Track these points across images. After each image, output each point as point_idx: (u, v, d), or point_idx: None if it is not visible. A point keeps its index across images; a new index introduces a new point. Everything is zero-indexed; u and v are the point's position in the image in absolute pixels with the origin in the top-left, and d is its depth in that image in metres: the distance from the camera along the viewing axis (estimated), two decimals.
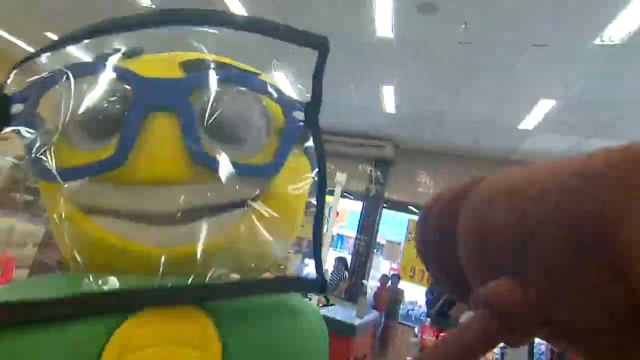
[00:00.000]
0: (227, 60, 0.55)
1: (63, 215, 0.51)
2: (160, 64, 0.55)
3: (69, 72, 0.50)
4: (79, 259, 0.49)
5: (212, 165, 0.46)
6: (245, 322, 0.47)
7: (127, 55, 0.54)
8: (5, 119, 0.51)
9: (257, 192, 0.51)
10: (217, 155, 0.47)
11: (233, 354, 0.43)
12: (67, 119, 0.48)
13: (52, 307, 0.40)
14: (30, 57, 0.55)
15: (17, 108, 0.53)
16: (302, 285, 0.61)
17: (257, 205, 0.50)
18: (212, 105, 0.48)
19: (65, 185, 0.49)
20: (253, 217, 0.50)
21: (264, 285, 0.51)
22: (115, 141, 0.47)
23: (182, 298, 0.43)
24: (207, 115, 0.48)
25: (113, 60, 0.52)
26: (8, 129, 0.51)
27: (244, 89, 0.52)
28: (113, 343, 0.39)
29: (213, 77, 0.49)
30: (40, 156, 0.49)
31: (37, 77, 0.54)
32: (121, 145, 0.46)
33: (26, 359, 0.38)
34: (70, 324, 0.39)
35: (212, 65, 0.51)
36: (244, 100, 0.52)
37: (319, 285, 0.55)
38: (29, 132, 0.50)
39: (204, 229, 0.47)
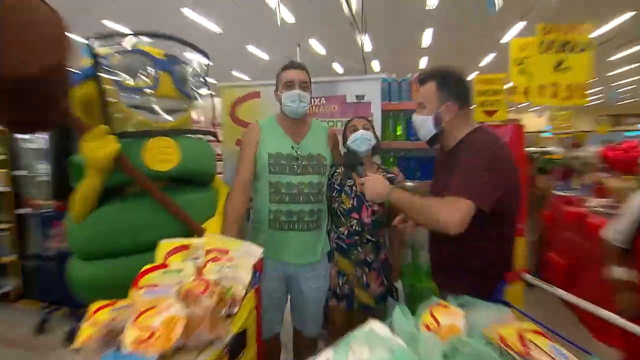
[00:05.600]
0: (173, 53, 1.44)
1: (120, 108, 1.32)
2: (157, 51, 1.38)
3: (123, 49, 1.34)
4: (126, 129, 1.32)
5: (184, 92, 1.45)
6: (184, 139, 1.44)
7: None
8: (98, 65, 1.26)
9: (189, 103, 1.52)
10: (184, 89, 1.44)
11: (182, 147, 1.37)
12: (124, 68, 1.30)
13: (133, 133, 1.31)
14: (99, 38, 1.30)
15: (102, 61, 1.28)
16: (201, 132, 1.70)
17: (189, 107, 1.54)
18: (180, 70, 1.42)
19: (124, 95, 1.32)
20: (190, 111, 1.56)
21: (190, 131, 1.55)
22: (152, 78, 1.34)
23: (164, 132, 1.36)
24: (179, 73, 1.42)
25: (141, 46, 1.38)
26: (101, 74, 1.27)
27: (183, 64, 1.46)
28: (145, 145, 1.30)
29: (178, 60, 1.44)
30: (118, 80, 1.29)
31: (110, 49, 1.32)
32: (155, 80, 1.34)
33: (124, 147, 1.22)
34: (134, 140, 1.29)
35: (174, 55, 1.44)
36: (185, 69, 1.47)
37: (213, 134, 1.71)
38: (108, 73, 1.28)
39: (179, 115, 1.46)
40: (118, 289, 1.15)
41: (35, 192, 3.14)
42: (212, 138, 1.74)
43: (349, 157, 1.63)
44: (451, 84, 1.25)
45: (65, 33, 1.04)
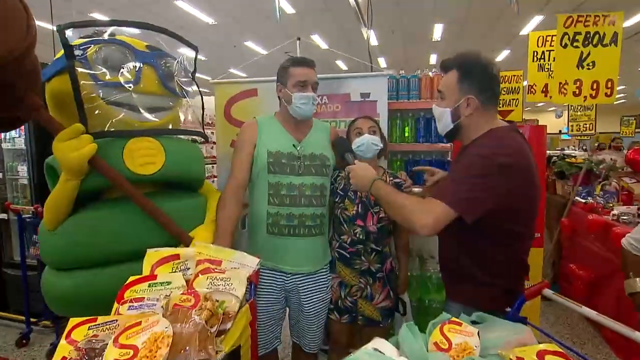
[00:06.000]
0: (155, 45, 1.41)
1: (98, 104, 1.23)
2: (139, 43, 1.36)
3: (101, 39, 1.29)
4: (105, 128, 1.24)
5: (170, 88, 1.40)
6: (170, 139, 1.42)
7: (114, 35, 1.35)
8: (72, 57, 1.17)
9: (176, 101, 1.47)
10: (169, 85, 1.40)
11: (167, 148, 1.34)
12: (102, 61, 1.25)
13: (112, 133, 1.26)
14: (75, 26, 1.22)
15: (77, 53, 1.20)
16: (189, 133, 1.67)
17: (176, 105, 1.48)
18: (165, 63, 1.40)
19: (101, 90, 1.24)
20: (177, 110, 1.50)
21: (176, 132, 1.51)
22: (133, 72, 1.28)
23: (147, 132, 1.33)
24: (164, 68, 1.38)
25: (121, 37, 1.34)
26: (76, 63, 1.19)
27: (168, 58, 1.42)
28: (126, 147, 1.26)
29: (161, 52, 1.40)
30: (95, 74, 1.22)
31: (86, 40, 1.26)
32: (137, 74, 1.29)
33: (100, 148, 1.19)
34: (114, 140, 1.27)
35: (159, 48, 1.40)
36: (172, 64, 1.43)
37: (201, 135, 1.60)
38: (84, 65, 1.21)
39: (165, 113, 1.43)
40: (97, 303, 1.13)
41: (14, 195, 3.14)
42: (202, 140, 1.73)
43: (339, 143, 1.62)
44: (476, 76, 1.20)
45: (31, 19, 1.00)
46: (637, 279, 1.42)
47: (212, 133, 3.94)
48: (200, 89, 1.63)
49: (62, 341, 0.75)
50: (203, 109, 1.63)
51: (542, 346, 0.77)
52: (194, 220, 1.44)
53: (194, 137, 1.64)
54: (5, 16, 0.95)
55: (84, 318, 0.78)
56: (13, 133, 3.00)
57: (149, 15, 6.72)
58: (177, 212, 1.36)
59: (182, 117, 1.54)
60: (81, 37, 1.30)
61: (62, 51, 1.21)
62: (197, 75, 1.58)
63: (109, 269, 1.25)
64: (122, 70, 1.28)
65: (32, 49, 1.04)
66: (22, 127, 2.94)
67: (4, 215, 3.12)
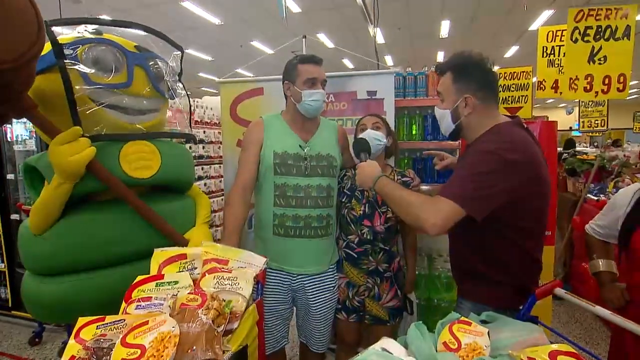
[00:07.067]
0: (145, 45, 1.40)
1: (91, 107, 1.19)
2: (128, 43, 1.32)
3: (91, 38, 1.24)
4: (97, 129, 1.21)
5: (160, 90, 1.37)
6: (164, 142, 1.39)
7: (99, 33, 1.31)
8: (62, 56, 1.13)
9: (164, 102, 1.45)
10: (159, 86, 1.37)
11: (162, 153, 1.32)
12: (92, 61, 1.19)
13: (109, 136, 1.23)
14: (61, 24, 1.17)
15: (67, 52, 1.15)
16: (182, 135, 1.55)
17: (164, 107, 1.46)
18: (154, 65, 1.36)
19: (92, 91, 1.18)
20: (165, 111, 1.47)
21: (167, 134, 1.48)
22: (125, 74, 1.26)
23: (143, 136, 1.31)
24: (154, 69, 1.35)
25: (110, 36, 1.30)
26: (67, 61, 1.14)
27: (157, 59, 1.39)
28: (122, 150, 1.23)
29: (151, 54, 1.38)
30: (85, 74, 1.16)
31: (77, 38, 1.22)
32: (129, 76, 1.26)
33: (98, 151, 1.16)
34: (109, 143, 1.23)
35: (148, 49, 1.39)
36: (162, 65, 1.39)
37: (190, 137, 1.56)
38: (73, 65, 1.15)
39: (154, 115, 1.40)
40: (90, 306, 1.13)
41: (27, 197, 3.19)
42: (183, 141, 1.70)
43: (357, 142, 1.59)
44: (470, 75, 1.21)
45: (41, 21, 0.96)
46: (600, 260, 1.57)
47: (219, 132, 3.96)
48: (204, 88, 1.63)
49: (71, 340, 0.75)
50: (190, 110, 1.61)
51: (554, 346, 0.75)
52: (185, 222, 1.44)
53: (179, 138, 1.60)
54: (13, 16, 0.89)
55: (93, 317, 0.78)
56: (25, 135, 3.04)
57: (156, 16, 6.77)
58: (170, 214, 1.35)
59: (169, 119, 1.52)
60: (66, 35, 1.25)
61: (47, 47, 1.15)
62: (203, 75, 1.59)
63: (100, 272, 1.23)
64: (113, 71, 1.24)
65: (41, 52, 1.00)
66: (34, 130, 2.98)
67: (16, 216, 3.16)
